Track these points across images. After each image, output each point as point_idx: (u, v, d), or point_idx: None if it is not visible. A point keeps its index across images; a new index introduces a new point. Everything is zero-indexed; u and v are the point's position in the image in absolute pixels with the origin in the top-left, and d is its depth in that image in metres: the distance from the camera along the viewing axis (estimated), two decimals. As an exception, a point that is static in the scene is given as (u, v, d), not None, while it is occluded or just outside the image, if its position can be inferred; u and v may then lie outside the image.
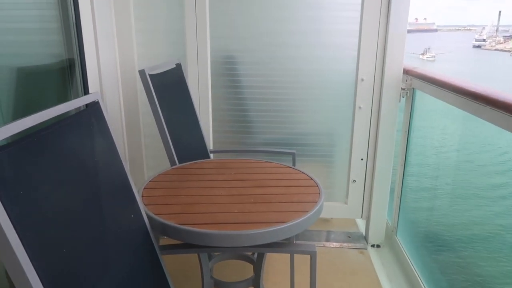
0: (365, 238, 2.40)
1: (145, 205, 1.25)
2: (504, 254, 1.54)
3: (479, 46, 59.06)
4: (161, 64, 1.83)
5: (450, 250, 1.90)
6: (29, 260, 0.69)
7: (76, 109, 1.04)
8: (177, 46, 2.22)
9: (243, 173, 1.55)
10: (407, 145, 2.18)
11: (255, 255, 1.70)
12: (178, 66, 1.96)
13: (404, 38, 2.07)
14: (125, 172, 1.14)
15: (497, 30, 74.79)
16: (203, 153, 2.00)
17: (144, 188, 1.39)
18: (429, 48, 44.99)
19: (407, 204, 2.24)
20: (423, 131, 2.19)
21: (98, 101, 1.07)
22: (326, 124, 2.33)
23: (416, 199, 2.21)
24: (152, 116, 1.63)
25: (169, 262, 1.28)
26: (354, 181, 2.35)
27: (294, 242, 1.74)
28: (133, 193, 1.16)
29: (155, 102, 1.61)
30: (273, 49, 2.21)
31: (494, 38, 63.32)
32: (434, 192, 2.09)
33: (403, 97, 2.15)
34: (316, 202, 1.27)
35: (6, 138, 0.75)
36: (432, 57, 43.16)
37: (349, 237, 2.42)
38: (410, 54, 43.15)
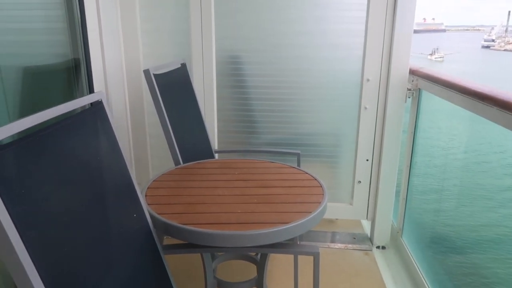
0: (370, 240, 2.39)
1: (148, 204, 1.25)
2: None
3: (488, 47, 58.52)
4: (166, 64, 1.83)
5: (457, 252, 1.88)
6: (30, 260, 0.69)
7: (81, 107, 1.04)
8: (182, 46, 2.22)
9: (246, 173, 1.54)
10: (413, 146, 2.16)
11: (259, 256, 1.70)
12: (183, 66, 1.96)
13: (410, 38, 2.05)
14: (128, 171, 1.14)
15: (506, 30, 74.09)
16: (208, 153, 2.00)
17: (147, 188, 1.39)
18: (437, 49, 44.62)
19: (413, 205, 2.22)
20: (430, 132, 2.17)
21: (101, 100, 1.08)
22: (331, 124, 2.31)
23: (422, 200, 2.19)
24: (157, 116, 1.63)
25: (172, 262, 1.28)
26: (359, 182, 2.34)
27: (298, 242, 1.73)
28: (136, 193, 1.16)
29: (159, 102, 1.61)
30: (278, 49, 2.21)
31: (504, 39, 62.69)
32: (441, 194, 2.07)
33: (409, 97, 2.13)
34: (320, 202, 1.26)
35: (11, 136, 0.75)
36: (440, 57, 42.80)
37: (354, 238, 2.41)
38: (418, 55, 42.87)
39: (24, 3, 1.53)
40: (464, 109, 1.57)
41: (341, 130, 2.33)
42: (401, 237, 2.28)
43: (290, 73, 2.24)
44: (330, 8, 2.13)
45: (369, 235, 2.43)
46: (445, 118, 2.16)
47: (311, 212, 1.20)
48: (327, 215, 1.29)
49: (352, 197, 2.39)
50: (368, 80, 2.16)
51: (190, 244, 1.16)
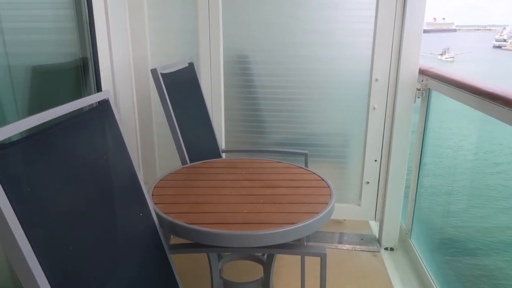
0: (378, 241, 2.36)
1: (155, 204, 1.25)
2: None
3: (499, 47, 57.79)
4: (174, 63, 1.83)
5: (467, 254, 1.85)
6: (35, 258, 0.69)
7: (89, 106, 1.04)
8: (190, 45, 2.22)
9: (253, 173, 1.54)
10: (423, 146, 2.13)
11: (265, 256, 1.69)
12: (191, 65, 1.96)
13: (420, 37, 2.03)
14: (135, 170, 1.14)
15: (518, 30, 73.04)
16: (215, 152, 1.99)
17: (154, 187, 1.39)
18: (448, 49, 44.14)
19: (422, 206, 2.19)
20: (439, 132, 2.14)
21: (108, 99, 1.08)
22: (340, 124, 2.30)
23: (431, 201, 2.17)
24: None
25: (178, 262, 1.28)
26: (368, 182, 2.31)
27: (305, 243, 1.72)
28: (142, 192, 1.16)
29: (166, 101, 1.61)
30: (286, 49, 2.20)
31: (515, 38, 61.87)
32: (451, 195, 2.04)
33: (419, 97, 2.11)
34: (327, 203, 1.25)
35: (18, 134, 0.76)
36: (451, 57, 42.35)
37: (362, 239, 2.39)
38: (428, 55, 42.49)
39: (33, 2, 1.54)
40: (474, 109, 1.55)
41: (349, 130, 2.31)
42: (410, 238, 2.25)
43: (298, 72, 2.22)
44: (340, 7, 2.11)
45: (377, 236, 2.41)
46: (455, 119, 2.13)
47: (318, 213, 1.19)
48: (334, 216, 1.28)
49: (360, 197, 2.36)
50: (376, 79, 2.14)
51: (196, 243, 1.16)
